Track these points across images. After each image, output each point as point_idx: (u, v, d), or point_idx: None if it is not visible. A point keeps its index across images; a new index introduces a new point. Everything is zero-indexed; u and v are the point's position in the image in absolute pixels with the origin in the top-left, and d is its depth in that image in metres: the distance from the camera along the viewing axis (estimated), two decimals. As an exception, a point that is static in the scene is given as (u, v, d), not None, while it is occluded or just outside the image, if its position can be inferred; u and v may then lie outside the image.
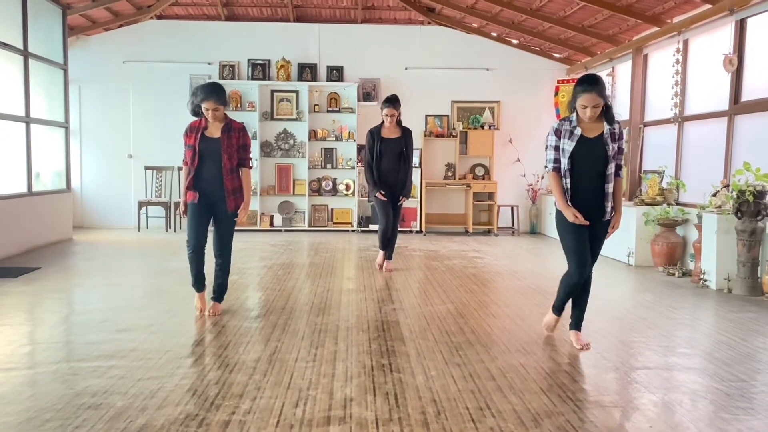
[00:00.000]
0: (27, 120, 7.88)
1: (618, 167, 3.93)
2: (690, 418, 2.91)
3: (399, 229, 10.27)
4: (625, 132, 3.82)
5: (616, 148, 3.86)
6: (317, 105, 10.48)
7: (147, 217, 10.25)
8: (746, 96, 6.38)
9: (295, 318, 4.64)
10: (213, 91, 4.50)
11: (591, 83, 3.80)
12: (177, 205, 10.06)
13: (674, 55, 7.42)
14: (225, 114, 4.64)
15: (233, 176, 4.62)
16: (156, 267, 6.84)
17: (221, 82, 10.24)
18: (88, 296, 5.51)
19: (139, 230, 10.06)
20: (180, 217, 10.09)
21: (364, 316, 4.71)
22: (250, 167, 4.79)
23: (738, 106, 6.43)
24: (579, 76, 10.09)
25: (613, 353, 3.91)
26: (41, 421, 2.77)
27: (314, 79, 10.52)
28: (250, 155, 4.76)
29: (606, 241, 4.05)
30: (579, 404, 3.04)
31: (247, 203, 4.71)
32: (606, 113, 3.86)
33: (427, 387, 3.24)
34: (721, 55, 6.50)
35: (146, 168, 10.27)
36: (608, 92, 9.31)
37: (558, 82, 10.43)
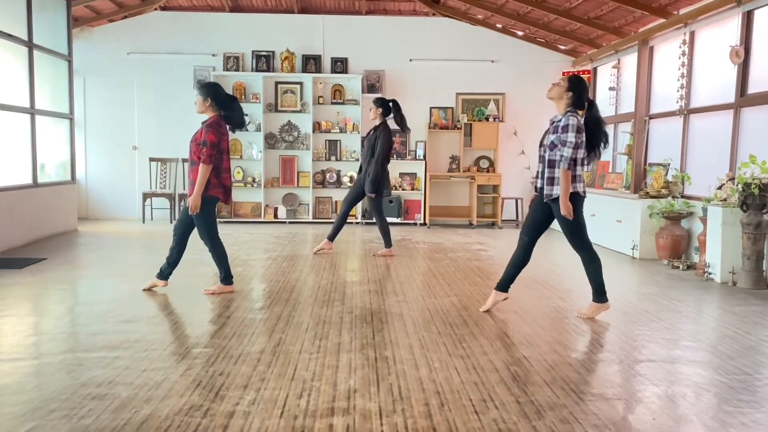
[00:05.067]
0: (32, 111, 7.89)
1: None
2: (693, 410, 2.91)
3: (403, 221, 10.41)
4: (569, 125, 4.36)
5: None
6: (321, 97, 10.47)
7: (152, 208, 10.29)
8: (753, 88, 6.34)
9: (299, 310, 4.66)
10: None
11: (572, 79, 4.47)
12: (182, 196, 10.09)
13: (680, 47, 7.37)
14: (208, 109, 5.02)
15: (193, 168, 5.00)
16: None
17: (225, 73, 10.30)
18: (92, 287, 5.54)
19: (143, 222, 10.09)
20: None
21: (368, 308, 4.72)
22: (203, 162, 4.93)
23: (744, 98, 6.40)
24: (584, 68, 10.12)
25: (617, 346, 3.91)
26: (47, 411, 2.78)
27: (318, 70, 10.50)
28: (204, 150, 4.91)
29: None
30: (582, 396, 3.04)
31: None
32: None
33: (430, 379, 3.25)
34: (727, 47, 6.46)
35: (151, 159, 10.29)
36: (612, 85, 9.34)
37: (563, 74, 10.37)
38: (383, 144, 6.92)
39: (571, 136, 4.24)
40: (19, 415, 2.75)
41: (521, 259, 4.59)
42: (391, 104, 7.10)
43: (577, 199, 4.36)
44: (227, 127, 5.09)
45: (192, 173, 5.00)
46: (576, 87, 4.38)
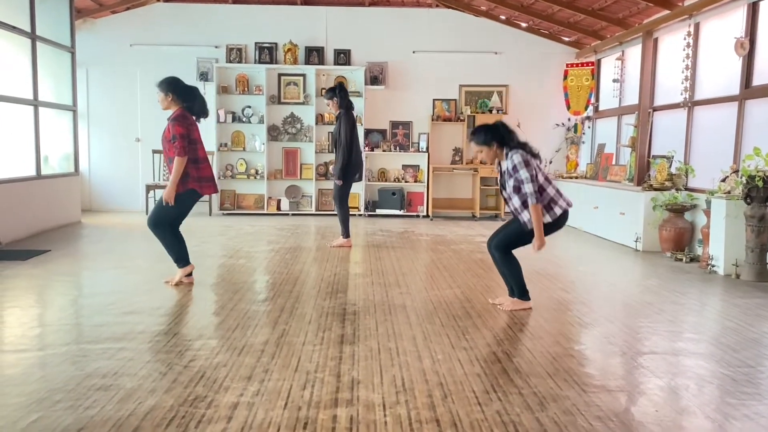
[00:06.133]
0: (35, 103, 7.89)
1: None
2: (696, 403, 2.92)
3: (406, 213, 10.41)
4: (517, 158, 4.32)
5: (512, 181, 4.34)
6: (324, 89, 10.43)
7: (155, 200, 10.28)
8: (757, 80, 6.31)
9: (303, 301, 4.67)
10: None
11: (472, 133, 4.51)
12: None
13: (685, 38, 7.34)
14: (172, 103, 5.01)
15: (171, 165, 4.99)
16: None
17: (228, 65, 10.29)
18: (96, 279, 5.55)
19: (146, 213, 10.09)
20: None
21: (371, 300, 4.73)
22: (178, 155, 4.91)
23: (749, 90, 6.37)
24: (588, 60, 10.07)
25: (620, 338, 3.91)
26: (52, 402, 2.80)
27: (321, 62, 10.48)
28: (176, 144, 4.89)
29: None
30: (585, 388, 3.05)
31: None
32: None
33: (433, 370, 3.25)
34: (732, 38, 6.43)
35: (154, 152, 10.29)
36: (616, 77, 9.27)
37: (567, 66, 10.35)
38: (346, 130, 7.01)
39: (523, 173, 4.25)
40: (24, 405, 2.77)
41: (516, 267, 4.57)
42: (338, 89, 7.16)
43: (562, 216, 4.37)
44: (194, 117, 5.09)
45: (170, 171, 5.00)
46: (494, 135, 4.38)
